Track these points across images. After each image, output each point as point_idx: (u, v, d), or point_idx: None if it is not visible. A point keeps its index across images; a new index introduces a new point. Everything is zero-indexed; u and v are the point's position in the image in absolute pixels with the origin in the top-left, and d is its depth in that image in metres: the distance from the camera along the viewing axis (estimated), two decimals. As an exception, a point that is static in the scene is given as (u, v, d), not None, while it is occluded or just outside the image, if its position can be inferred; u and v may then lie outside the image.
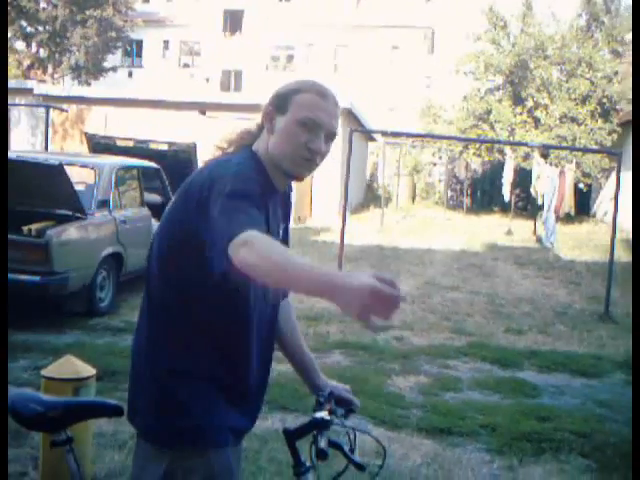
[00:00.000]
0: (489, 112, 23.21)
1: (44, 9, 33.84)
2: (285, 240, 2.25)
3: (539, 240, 17.55)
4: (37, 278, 7.05)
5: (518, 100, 23.48)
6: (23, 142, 20.42)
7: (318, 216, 19.16)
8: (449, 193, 26.93)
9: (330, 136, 2.06)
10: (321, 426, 2.10)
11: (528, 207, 22.12)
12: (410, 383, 6.33)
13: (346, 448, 2.09)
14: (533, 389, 6.37)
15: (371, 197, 26.45)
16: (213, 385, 2.04)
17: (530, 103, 22.96)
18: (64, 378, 3.81)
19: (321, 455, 2.02)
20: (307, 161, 2.03)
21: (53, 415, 2.16)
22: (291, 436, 2.12)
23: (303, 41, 42.10)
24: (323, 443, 2.04)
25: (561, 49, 22.73)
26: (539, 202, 17.65)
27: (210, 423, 2.03)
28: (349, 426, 2.17)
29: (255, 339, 2.08)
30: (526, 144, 18.90)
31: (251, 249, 1.64)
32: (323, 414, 2.14)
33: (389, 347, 7.49)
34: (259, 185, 1.88)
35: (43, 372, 3.94)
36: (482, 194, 26.79)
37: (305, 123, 1.98)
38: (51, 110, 16.33)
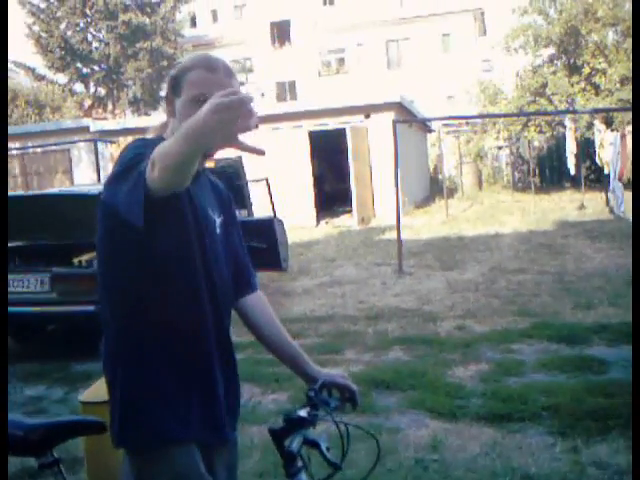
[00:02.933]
0: (545, 85, 22.53)
1: (97, 49, 34.73)
2: (231, 233, 2.24)
3: (612, 211, 16.93)
4: (91, 308, 7.11)
5: (574, 69, 22.75)
6: (87, 179, 20.91)
7: (382, 215, 18.95)
8: (516, 175, 26.32)
9: None
10: (301, 424, 1.99)
11: (600, 178, 21.37)
12: (471, 372, 6.11)
13: (323, 446, 1.96)
14: (601, 364, 6.05)
15: (437, 189, 26.09)
16: (167, 369, 2.00)
17: (587, 70, 22.18)
18: (100, 401, 3.78)
19: (288, 457, 1.91)
20: None
21: (34, 438, 2.11)
22: (277, 436, 2.01)
23: (352, 42, 41.94)
24: (295, 444, 1.93)
25: (612, 9, 21.87)
26: (605, 171, 17.04)
27: (168, 416, 1.99)
28: (336, 420, 2.03)
29: (205, 301, 2.05)
30: (575, 111, 18.28)
31: (153, 167, 1.68)
32: (302, 411, 2.02)
33: (451, 338, 7.28)
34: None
35: (80, 398, 3.94)
36: (550, 171, 26.06)
37: (198, 100, 1.92)
38: (107, 144, 16.69)
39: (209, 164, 8.12)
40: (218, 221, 2.17)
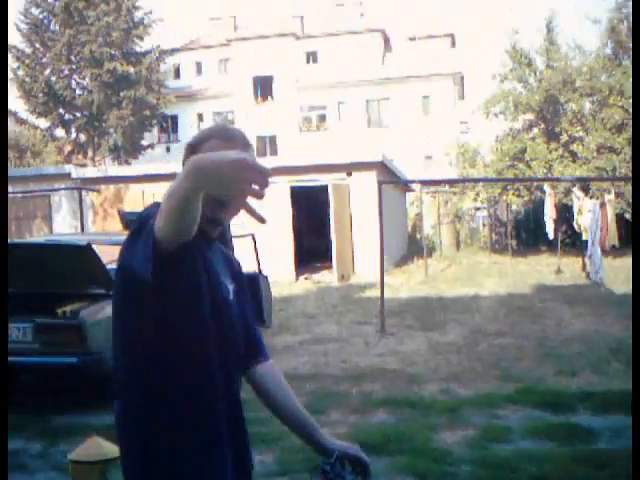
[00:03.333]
0: (524, 151, 22.98)
1: (80, 95, 34.88)
2: (243, 302, 2.24)
3: (588, 276, 17.12)
4: (74, 359, 7.02)
5: (552, 135, 23.23)
6: (66, 226, 20.80)
7: (361, 273, 19.00)
8: (493, 237, 26.59)
9: None
10: None
11: (576, 243, 21.66)
12: (457, 437, 6.08)
13: None
14: (588, 434, 6.06)
15: (415, 249, 26.23)
16: (180, 432, 1.99)
17: (565, 137, 22.68)
18: (91, 461, 3.73)
19: None
20: (219, 204, 1.97)
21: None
22: None
23: (333, 99, 42.57)
24: None
25: (590, 80, 22.49)
26: (583, 237, 17.29)
27: (182, 477, 1.98)
28: None
29: (216, 370, 2.04)
30: (558, 179, 18.64)
31: (158, 217, 1.72)
32: None
33: (435, 401, 7.25)
34: None
35: (70, 456, 3.87)
36: (527, 234, 26.37)
37: None
38: (89, 192, 16.67)
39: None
40: (231, 288, 2.17)
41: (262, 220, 1.64)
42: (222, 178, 1.54)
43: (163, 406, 1.99)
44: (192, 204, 1.63)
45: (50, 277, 7.51)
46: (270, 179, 1.55)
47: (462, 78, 43.98)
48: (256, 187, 1.56)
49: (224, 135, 2.05)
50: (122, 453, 2.08)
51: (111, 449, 3.85)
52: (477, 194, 24.29)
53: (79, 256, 7.15)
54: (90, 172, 22.25)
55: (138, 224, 1.89)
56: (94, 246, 7.25)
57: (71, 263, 7.25)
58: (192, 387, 2.00)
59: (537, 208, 24.35)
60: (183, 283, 1.92)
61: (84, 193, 16.61)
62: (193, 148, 2.07)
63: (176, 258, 1.79)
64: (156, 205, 1.94)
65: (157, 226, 1.73)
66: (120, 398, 2.07)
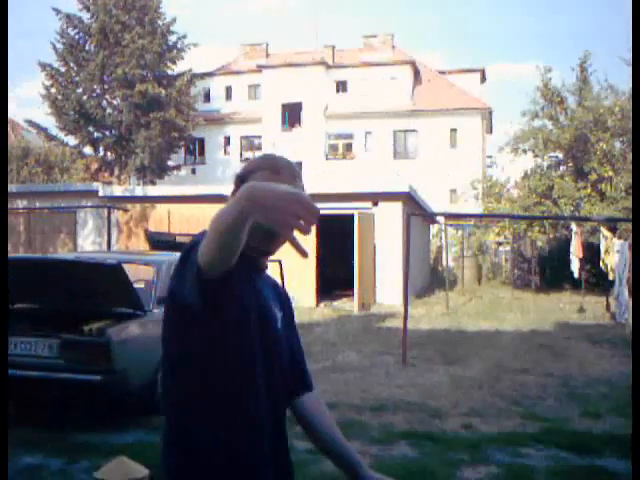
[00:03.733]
0: (551, 188, 22.91)
1: (110, 115, 35.30)
2: (290, 331, 2.27)
3: (613, 317, 16.95)
4: (98, 377, 7.02)
5: (581, 174, 23.16)
6: (90, 242, 20.97)
7: (383, 302, 18.97)
8: (516, 272, 26.44)
9: None
10: None
11: (600, 283, 21.49)
12: (480, 474, 6.01)
13: None
14: (613, 477, 5.97)
15: (436, 280, 26.16)
16: (225, 460, 1.99)
17: (593, 177, 22.59)
18: (116, 481, 3.72)
19: None
20: (269, 235, 1.98)
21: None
22: None
23: (361, 129, 42.76)
24: None
25: (621, 120, 22.43)
26: (610, 277, 17.15)
27: None
28: None
29: (263, 398, 2.05)
30: (588, 219, 18.52)
31: (202, 245, 1.75)
32: None
33: (457, 436, 7.18)
34: None
35: (95, 475, 3.86)
36: (551, 272, 26.21)
37: None
38: (115, 211, 16.80)
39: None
40: (279, 316, 2.19)
41: (305, 254, 1.64)
42: (274, 209, 1.55)
43: (209, 430, 2.00)
44: (239, 230, 1.64)
45: (78, 294, 7.55)
46: (317, 217, 1.57)
47: (490, 113, 44.04)
48: (303, 223, 1.57)
49: (272, 166, 2.08)
50: (165, 471, 2.07)
51: (137, 469, 3.85)
52: (502, 229, 24.22)
53: (109, 275, 7.19)
54: (117, 190, 22.44)
55: (186, 250, 1.90)
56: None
57: (100, 281, 7.30)
58: (239, 414, 2.01)
59: (562, 246, 24.23)
60: (231, 311, 1.94)
61: (114, 211, 16.74)
62: (241, 179, 2.10)
63: (221, 286, 1.81)
64: (204, 232, 1.96)
65: (200, 252, 1.75)
66: (167, 422, 2.09)
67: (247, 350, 2.02)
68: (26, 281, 7.72)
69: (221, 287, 1.81)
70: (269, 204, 1.55)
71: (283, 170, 2.08)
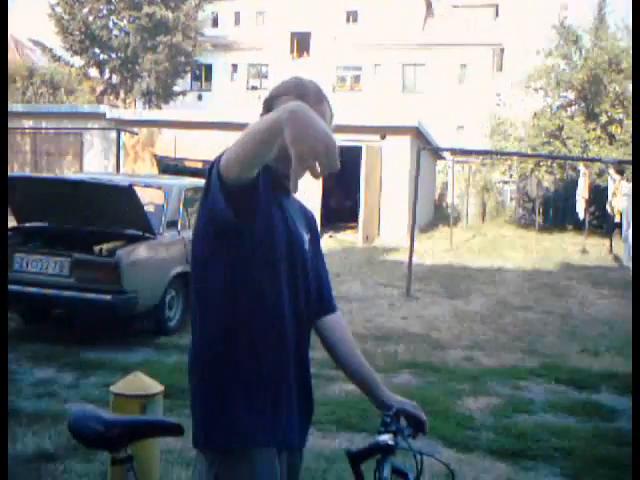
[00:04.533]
0: (561, 129, 22.73)
1: (116, 37, 34.78)
2: (316, 253, 2.30)
3: (616, 259, 17.04)
4: (108, 297, 7.14)
5: (591, 116, 22.95)
6: (96, 165, 20.93)
7: (386, 235, 19.04)
8: (520, 211, 26.45)
9: None
10: (385, 451, 2.02)
11: (603, 225, 21.52)
12: (481, 404, 6.16)
13: (411, 476, 1.99)
14: (611, 412, 6.11)
15: (440, 216, 26.20)
16: (253, 379, 2.06)
17: (604, 119, 22.39)
18: (132, 394, 3.81)
19: None
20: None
21: (112, 434, 2.12)
22: (354, 459, 2.05)
23: (370, 61, 42.17)
24: (386, 471, 1.96)
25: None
26: (616, 220, 17.16)
27: (253, 422, 2.05)
28: (415, 450, 2.06)
29: (288, 315, 2.10)
30: (600, 160, 18.42)
31: (227, 154, 1.79)
32: (387, 438, 2.04)
33: (459, 367, 7.33)
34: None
35: (112, 388, 3.95)
36: (555, 212, 26.20)
37: None
38: (122, 133, 16.72)
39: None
40: (306, 238, 2.23)
41: (295, 190, 1.66)
42: (303, 138, 1.55)
43: (235, 346, 2.06)
44: (270, 137, 1.65)
45: (90, 215, 7.62)
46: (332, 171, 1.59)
47: (502, 50, 43.32)
48: (319, 168, 1.58)
49: (298, 91, 2.08)
50: (192, 388, 2.14)
51: (152, 385, 3.93)
52: (509, 168, 24.14)
53: (121, 197, 7.24)
54: (124, 113, 22.29)
55: (209, 167, 1.93)
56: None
57: (112, 203, 7.35)
58: (263, 330, 2.07)
59: (568, 187, 24.19)
60: (258, 225, 1.98)
61: (121, 134, 16.68)
62: (268, 104, 2.12)
63: (247, 196, 1.85)
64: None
65: (225, 158, 1.80)
66: (194, 345, 2.14)
67: (274, 269, 2.06)
68: (38, 200, 7.78)
69: (246, 196, 1.85)
70: (302, 131, 1.56)
71: (309, 95, 2.08)
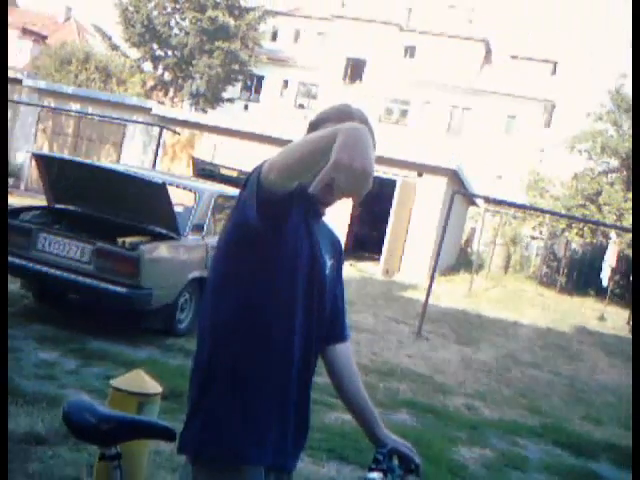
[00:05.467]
0: (599, 193, 22.62)
1: (176, 35, 35.24)
2: (336, 279, 2.31)
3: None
4: (123, 290, 7.19)
5: (631, 186, 22.81)
6: (134, 158, 21.14)
7: (407, 272, 19.00)
8: (544, 269, 26.28)
9: None
10: None
11: (626, 295, 21.31)
12: (475, 454, 6.11)
13: None
14: (605, 484, 6.05)
15: (463, 261, 26.08)
16: (253, 397, 2.06)
17: (644, 189, 22.25)
18: (131, 391, 3.84)
19: None
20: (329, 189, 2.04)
21: (105, 429, 2.13)
22: None
23: (420, 98, 42.30)
24: None
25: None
26: None
27: (248, 438, 2.05)
28: None
29: (297, 336, 2.11)
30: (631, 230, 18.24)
31: (271, 161, 1.81)
32: (376, 476, 2.06)
33: (459, 414, 7.28)
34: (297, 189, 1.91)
35: (112, 382, 3.98)
36: (579, 275, 25.99)
37: None
38: (164, 131, 16.90)
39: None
40: (329, 263, 2.24)
41: (314, 190, 1.66)
42: (348, 154, 1.58)
43: (240, 362, 2.07)
44: (319, 152, 1.68)
45: (119, 206, 7.70)
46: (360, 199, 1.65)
47: (553, 107, 43.29)
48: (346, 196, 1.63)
49: (345, 118, 2.06)
50: (191, 394, 2.15)
51: (152, 385, 3.95)
52: (539, 224, 24.03)
53: (153, 193, 7.31)
54: (170, 112, 22.52)
55: (250, 174, 1.96)
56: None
57: (143, 198, 7.43)
58: (271, 350, 2.08)
59: (595, 252, 24.00)
60: (284, 240, 2.01)
61: (164, 131, 16.86)
62: (313, 126, 2.15)
63: (278, 208, 1.87)
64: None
65: (268, 163, 1.82)
66: (199, 351, 2.15)
67: (291, 290, 2.08)
68: (71, 183, 7.87)
69: (279, 209, 1.88)
70: (350, 143, 1.59)
71: (353, 121, 2.07)
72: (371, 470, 2.09)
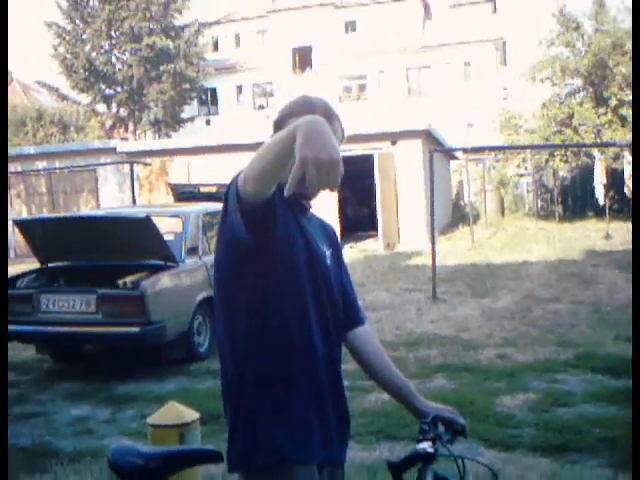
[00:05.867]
0: (571, 116, 22.63)
1: (120, 70, 35.14)
2: (339, 267, 2.30)
3: None
4: (136, 329, 7.16)
5: (601, 100, 22.84)
6: (112, 199, 21.08)
7: (407, 240, 19.00)
8: (539, 203, 26.30)
9: None
10: (425, 459, 2.00)
11: (624, 209, 21.34)
12: (519, 401, 6.09)
13: None
14: (652, 396, 6.03)
15: (459, 216, 26.12)
16: (285, 396, 2.06)
17: (614, 102, 22.26)
18: (169, 424, 3.82)
19: None
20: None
21: (152, 467, 2.12)
22: (395, 469, 2.03)
23: (373, 68, 42.20)
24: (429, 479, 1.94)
25: (641, 42, 22.01)
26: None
27: (291, 439, 2.04)
28: (456, 455, 2.04)
29: (316, 330, 2.10)
30: (614, 144, 18.32)
31: (245, 173, 1.80)
32: (426, 445, 2.03)
33: (493, 366, 7.26)
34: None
35: (149, 420, 3.96)
36: (574, 200, 26.04)
37: None
38: (135, 166, 16.85)
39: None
40: (328, 253, 2.22)
41: (288, 192, 1.65)
42: (312, 148, 1.58)
43: (264, 365, 2.06)
44: (285, 155, 1.67)
45: (110, 249, 7.66)
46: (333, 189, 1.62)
47: (504, 44, 43.24)
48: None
49: (307, 111, 2.05)
50: (227, 412, 2.14)
51: (188, 413, 3.93)
52: (523, 160, 24.05)
53: (139, 228, 7.27)
54: (135, 146, 22.47)
55: (227, 186, 1.95)
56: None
57: (131, 235, 7.39)
58: (292, 347, 2.07)
59: (584, 174, 24.05)
60: (279, 246, 1.98)
61: (127, 166, 16.82)
62: (278, 124, 2.12)
63: (264, 215, 1.86)
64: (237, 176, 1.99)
65: (241, 177, 1.81)
66: (223, 368, 2.15)
67: (296, 285, 2.06)
68: (57, 240, 7.83)
69: (264, 216, 1.86)
70: (311, 138, 1.59)
71: (316, 113, 2.03)
72: (419, 441, 2.07)
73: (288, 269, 2.05)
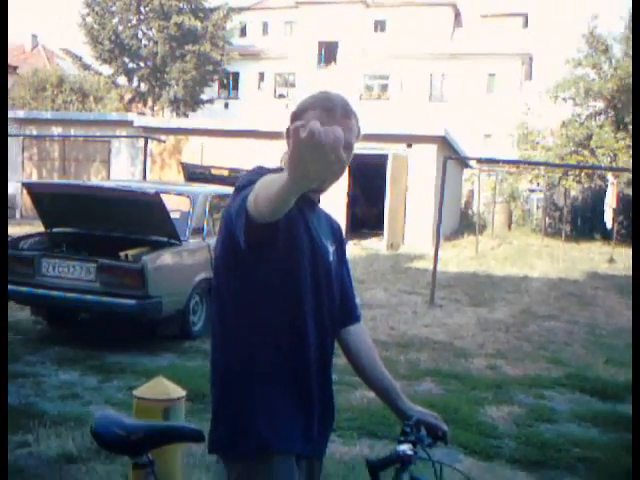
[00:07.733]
0: (590, 138, 22.58)
1: (145, 46, 35.15)
2: (341, 263, 2.31)
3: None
4: (133, 302, 7.20)
5: (621, 125, 22.77)
6: (123, 172, 21.14)
7: (411, 243, 19.02)
8: (547, 220, 26.28)
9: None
10: (404, 460, 2.04)
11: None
12: (503, 413, 6.11)
13: None
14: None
15: (466, 224, 26.11)
16: (273, 386, 2.08)
17: (634, 128, 22.19)
18: (155, 399, 3.84)
19: None
20: None
21: (135, 439, 2.16)
22: (373, 468, 2.07)
23: (397, 70, 42.15)
24: None
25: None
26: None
27: (274, 429, 2.06)
28: (434, 460, 2.08)
29: (310, 325, 2.11)
30: (628, 169, 18.24)
31: (254, 196, 1.75)
32: (406, 447, 2.07)
33: (482, 376, 7.28)
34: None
35: (135, 392, 3.97)
36: (582, 221, 26.01)
37: None
38: (149, 141, 16.88)
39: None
40: (331, 250, 2.23)
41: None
42: (323, 172, 1.45)
43: (256, 354, 2.08)
44: (290, 199, 1.63)
45: (116, 221, 7.70)
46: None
47: (531, 59, 43.13)
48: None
49: (324, 105, 2.06)
50: (213, 394, 2.17)
51: (175, 390, 3.95)
52: (536, 177, 24.02)
53: (147, 204, 7.30)
54: (151, 121, 22.50)
55: (238, 185, 1.96)
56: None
57: (138, 210, 7.42)
58: (285, 339, 2.09)
59: (595, 196, 24.00)
60: (281, 250, 1.99)
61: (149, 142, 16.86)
62: (296, 116, 2.10)
63: (271, 229, 1.83)
64: (257, 172, 1.99)
65: (250, 201, 1.77)
66: (214, 352, 2.17)
67: (297, 280, 2.08)
68: (64, 206, 7.87)
69: (271, 231, 1.85)
70: (318, 173, 1.46)
71: (336, 109, 2.06)
72: (400, 442, 2.10)
73: (290, 263, 2.05)
